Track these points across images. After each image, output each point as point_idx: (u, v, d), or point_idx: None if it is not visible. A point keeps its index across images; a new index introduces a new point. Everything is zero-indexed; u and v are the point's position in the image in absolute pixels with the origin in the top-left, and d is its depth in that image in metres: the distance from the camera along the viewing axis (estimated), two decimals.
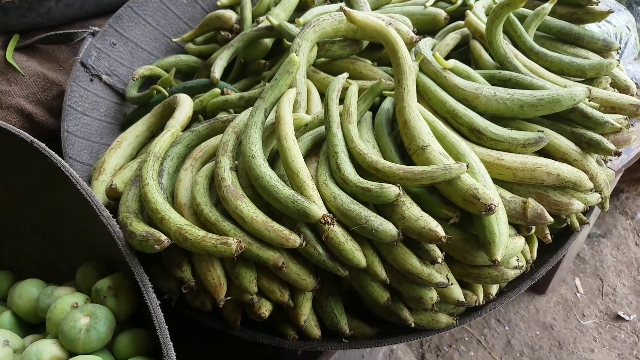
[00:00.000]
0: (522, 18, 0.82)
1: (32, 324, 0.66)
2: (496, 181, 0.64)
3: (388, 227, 0.56)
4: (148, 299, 0.54)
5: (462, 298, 0.63)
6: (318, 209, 0.57)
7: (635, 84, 1.05)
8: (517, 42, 0.80)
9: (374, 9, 0.93)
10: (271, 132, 0.68)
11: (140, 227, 0.57)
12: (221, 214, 0.60)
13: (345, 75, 0.72)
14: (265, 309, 0.62)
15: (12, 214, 0.74)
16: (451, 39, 0.82)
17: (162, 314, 0.53)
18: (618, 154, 0.67)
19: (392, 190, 0.57)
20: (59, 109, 0.97)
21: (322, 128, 0.70)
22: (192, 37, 1.08)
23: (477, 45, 0.81)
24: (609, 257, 2.01)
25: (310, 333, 0.65)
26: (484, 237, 0.58)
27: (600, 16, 0.81)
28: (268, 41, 0.96)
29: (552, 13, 0.82)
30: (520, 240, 0.63)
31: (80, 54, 0.95)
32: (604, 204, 0.72)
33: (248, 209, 0.58)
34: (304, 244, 0.58)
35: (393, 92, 0.70)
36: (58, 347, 0.56)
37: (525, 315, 1.82)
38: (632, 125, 0.73)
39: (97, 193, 0.73)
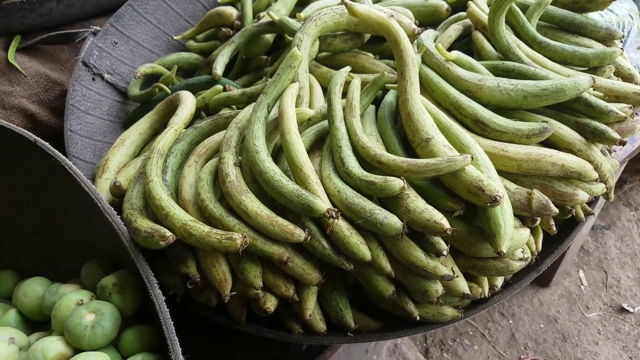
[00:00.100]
0: (524, 8, 0.81)
1: (38, 322, 0.66)
2: (500, 172, 0.64)
3: (393, 220, 0.56)
4: (153, 295, 0.54)
5: (467, 290, 0.63)
6: (322, 203, 0.57)
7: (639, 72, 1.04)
8: (520, 32, 0.79)
9: (375, 1, 0.93)
10: (274, 127, 0.68)
11: (145, 224, 0.58)
12: (225, 210, 0.60)
13: (348, 68, 0.72)
14: (271, 303, 0.62)
15: (16, 214, 0.74)
16: (453, 31, 0.82)
17: (168, 310, 0.53)
18: (623, 143, 0.66)
19: (397, 183, 0.57)
20: (61, 108, 0.97)
21: (325, 122, 0.70)
22: (193, 35, 1.08)
23: (479, 36, 0.80)
24: (613, 249, 2.01)
25: (315, 327, 0.65)
26: (489, 229, 0.57)
27: (603, 4, 0.80)
28: (269, 37, 0.96)
29: (555, 2, 0.82)
30: (526, 232, 0.63)
31: (82, 53, 0.95)
32: (609, 194, 0.71)
33: (252, 204, 0.58)
34: (309, 238, 0.58)
35: (396, 85, 0.70)
36: (64, 344, 0.57)
37: (529, 309, 1.82)
38: (636, 114, 0.72)
39: (101, 191, 0.73)
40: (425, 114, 0.63)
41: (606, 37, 0.81)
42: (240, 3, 1.03)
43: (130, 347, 0.59)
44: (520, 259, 0.64)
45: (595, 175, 0.64)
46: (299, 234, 0.57)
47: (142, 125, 0.84)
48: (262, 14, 0.98)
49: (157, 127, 0.86)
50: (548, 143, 0.67)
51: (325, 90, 0.80)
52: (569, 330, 1.75)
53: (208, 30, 1.09)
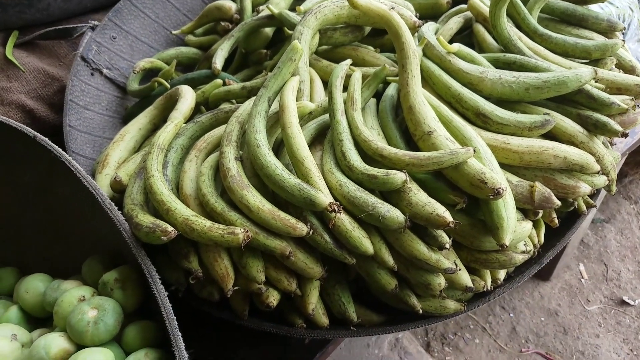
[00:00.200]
0: (525, 0, 0.81)
1: (39, 318, 0.66)
2: (503, 165, 0.63)
3: (395, 214, 0.56)
4: (156, 290, 0.54)
5: (470, 284, 0.62)
6: (324, 197, 0.56)
7: None
8: (521, 25, 0.79)
9: None
10: (275, 121, 0.68)
11: (146, 219, 0.57)
12: (227, 204, 0.60)
13: (349, 61, 0.72)
14: (273, 298, 0.62)
15: (16, 210, 0.73)
16: (454, 23, 0.82)
17: (170, 305, 0.53)
18: (625, 135, 0.66)
19: (399, 176, 0.57)
20: (60, 104, 0.97)
21: (326, 116, 0.70)
22: (192, 29, 1.07)
23: (480, 29, 0.80)
24: (613, 242, 2.01)
25: (318, 321, 0.65)
26: (491, 221, 0.57)
27: None
28: (269, 30, 0.95)
29: None
30: (528, 225, 0.63)
31: (80, 48, 0.95)
32: (610, 186, 0.71)
33: (254, 198, 0.58)
34: (311, 232, 0.57)
35: (397, 78, 0.69)
36: (66, 340, 0.56)
37: (530, 302, 1.83)
38: (638, 106, 0.72)
39: (102, 186, 0.72)
40: (427, 107, 0.63)
41: (607, 30, 0.80)
42: None
43: (133, 342, 0.59)
44: (523, 252, 0.64)
45: (597, 167, 0.64)
46: (301, 228, 0.56)
47: (141, 120, 0.83)
48: (261, 7, 0.97)
49: (157, 122, 0.85)
50: (550, 135, 0.66)
51: (326, 84, 0.80)
52: (570, 323, 1.76)
53: (207, 25, 1.08)
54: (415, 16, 0.80)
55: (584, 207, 0.72)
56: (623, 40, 0.77)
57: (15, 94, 0.96)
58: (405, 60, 0.65)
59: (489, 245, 0.61)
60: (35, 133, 0.63)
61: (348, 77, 0.70)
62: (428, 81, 0.71)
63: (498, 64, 0.73)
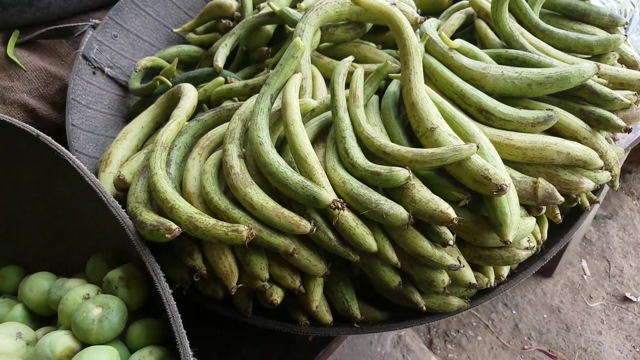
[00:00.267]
0: None
1: (44, 317, 0.66)
2: (506, 161, 0.63)
3: (399, 211, 0.56)
4: (160, 288, 0.54)
5: (473, 280, 0.62)
6: (328, 194, 0.56)
7: None
8: (523, 20, 0.79)
9: None
10: (278, 119, 0.67)
11: (150, 217, 0.57)
12: (230, 202, 0.60)
13: (351, 58, 0.71)
14: (277, 295, 0.62)
15: (19, 209, 0.74)
16: (456, 19, 0.82)
17: (175, 303, 0.53)
18: (628, 130, 0.66)
19: (402, 173, 0.57)
20: (62, 103, 0.97)
21: (329, 113, 0.69)
22: (193, 27, 1.07)
23: (482, 25, 0.80)
24: (616, 238, 2.01)
25: (322, 319, 0.65)
26: (495, 218, 0.57)
27: None
28: (270, 28, 0.95)
29: None
30: (531, 221, 0.63)
31: (81, 47, 0.95)
32: (614, 182, 0.71)
33: (258, 196, 0.58)
34: (315, 229, 0.57)
35: (399, 75, 0.69)
36: (71, 338, 0.56)
37: (532, 299, 1.83)
38: None
39: (105, 185, 0.72)
40: (429, 103, 0.63)
41: (609, 24, 0.80)
42: None
43: (138, 340, 0.59)
44: (526, 248, 0.64)
45: (600, 163, 0.64)
46: (305, 226, 0.56)
47: (144, 119, 0.83)
48: (262, 4, 0.97)
49: (159, 120, 0.85)
50: (553, 131, 0.66)
51: (328, 81, 0.79)
52: (573, 320, 1.76)
53: (208, 22, 1.08)
54: (417, 12, 0.80)
55: (587, 203, 0.72)
56: (625, 35, 0.76)
57: (17, 93, 0.96)
58: (407, 57, 0.65)
59: (493, 241, 0.61)
60: (38, 132, 0.63)
61: (350, 74, 0.70)
62: (430, 77, 0.71)
63: (500, 60, 0.73)
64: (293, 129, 0.61)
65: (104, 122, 0.92)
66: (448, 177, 0.60)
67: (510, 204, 0.57)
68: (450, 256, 0.59)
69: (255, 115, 0.63)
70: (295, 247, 0.58)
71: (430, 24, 0.77)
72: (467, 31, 0.84)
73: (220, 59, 0.89)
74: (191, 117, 0.80)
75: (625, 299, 1.81)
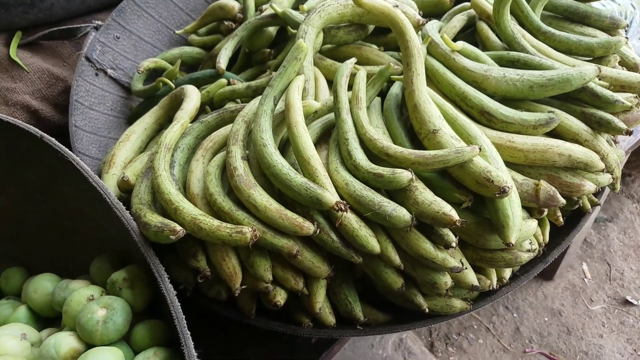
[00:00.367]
0: None
1: (48, 318, 0.66)
2: (507, 164, 0.63)
3: (401, 213, 0.56)
4: (165, 289, 0.54)
5: (476, 282, 0.63)
6: (331, 196, 0.57)
7: None
8: (524, 22, 0.79)
9: None
10: (281, 120, 0.68)
11: (154, 218, 0.57)
12: (234, 203, 0.60)
13: (354, 60, 0.72)
14: (280, 297, 0.62)
15: (23, 210, 0.74)
16: (458, 21, 0.82)
17: (179, 304, 0.53)
18: (629, 132, 0.66)
19: (405, 175, 0.57)
20: (64, 104, 0.97)
21: (331, 115, 0.70)
22: (195, 29, 1.08)
23: (484, 27, 0.80)
24: (616, 241, 2.01)
25: (324, 320, 0.65)
26: (497, 220, 0.57)
27: None
28: (272, 29, 0.95)
29: None
30: (534, 223, 0.63)
31: (84, 48, 0.95)
32: (615, 184, 0.71)
33: (261, 197, 0.58)
34: (318, 231, 0.57)
35: (401, 77, 0.69)
36: (75, 339, 0.57)
37: (533, 302, 1.83)
38: None
39: (109, 186, 0.72)
40: (431, 105, 0.63)
41: (610, 27, 0.80)
42: None
43: (142, 341, 0.59)
44: (528, 250, 0.64)
45: (601, 165, 0.64)
46: (308, 227, 0.57)
47: (147, 120, 0.84)
48: (264, 6, 0.98)
49: (162, 121, 0.86)
50: (554, 134, 0.67)
51: (330, 83, 0.80)
52: (573, 323, 1.76)
53: (210, 24, 1.09)
54: (419, 14, 0.80)
55: (588, 206, 0.72)
56: (626, 38, 0.77)
57: (20, 94, 0.96)
58: (409, 59, 0.65)
59: (495, 244, 0.61)
60: (42, 133, 0.63)
61: (353, 76, 0.70)
62: (432, 79, 0.71)
63: (502, 62, 0.73)
64: (296, 130, 0.61)
65: (106, 124, 0.93)
66: (450, 179, 0.60)
67: (513, 206, 0.57)
68: (453, 258, 0.59)
69: (259, 117, 0.64)
70: (298, 249, 0.58)
71: (432, 26, 0.77)
72: (468, 33, 0.84)
73: (222, 61, 0.89)
74: (194, 119, 0.80)
75: (626, 302, 1.81)
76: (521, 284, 0.69)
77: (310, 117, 0.70)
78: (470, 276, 0.62)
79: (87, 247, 0.71)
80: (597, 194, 0.72)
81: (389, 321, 0.68)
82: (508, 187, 0.54)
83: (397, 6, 0.67)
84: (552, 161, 0.63)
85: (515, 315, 1.79)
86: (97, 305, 0.57)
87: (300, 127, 0.62)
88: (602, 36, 0.79)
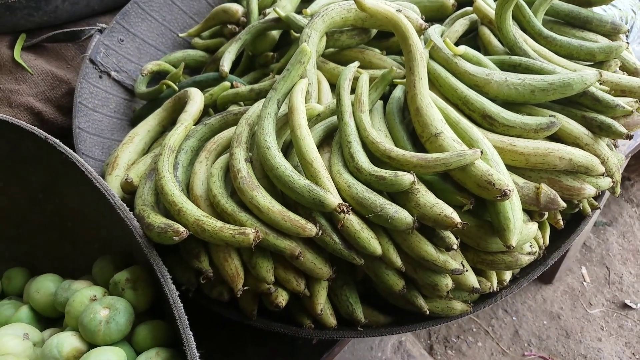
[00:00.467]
0: (530, 3, 0.82)
1: (50, 318, 0.66)
2: (509, 167, 0.64)
3: (403, 215, 0.57)
4: (167, 290, 0.54)
5: (476, 285, 0.63)
6: (334, 198, 0.57)
7: None
8: (526, 27, 0.80)
9: None
10: (284, 123, 0.68)
11: (158, 219, 0.58)
12: (237, 205, 0.60)
13: (357, 64, 0.72)
14: (282, 298, 0.62)
15: (27, 211, 0.74)
16: (460, 26, 0.82)
17: (182, 304, 0.54)
18: (630, 137, 0.67)
19: (407, 177, 0.57)
20: (68, 106, 0.98)
21: (334, 118, 0.70)
22: (199, 32, 1.08)
23: (486, 31, 0.81)
24: (615, 245, 2.01)
25: (326, 322, 0.65)
26: (498, 223, 0.58)
27: None
28: (275, 33, 0.96)
29: None
30: (534, 226, 0.63)
31: (88, 50, 0.96)
32: (615, 188, 0.72)
33: (264, 199, 0.58)
34: (320, 233, 0.58)
35: (404, 80, 0.70)
36: (78, 339, 0.57)
37: (532, 305, 1.83)
38: None
39: (112, 188, 0.73)
40: (434, 109, 0.63)
41: (611, 32, 0.81)
42: (245, 0, 1.03)
43: (144, 342, 0.59)
44: (529, 253, 0.65)
45: (602, 169, 0.65)
46: (311, 229, 0.57)
47: (150, 122, 0.84)
48: (267, 10, 0.98)
49: (165, 124, 0.86)
50: (555, 137, 0.67)
51: (333, 86, 0.80)
52: (572, 327, 1.76)
53: (213, 28, 1.09)
54: (421, 19, 0.81)
55: (588, 209, 0.73)
56: (627, 43, 0.77)
57: (24, 96, 0.96)
58: (412, 63, 0.65)
59: (496, 246, 0.61)
60: (47, 135, 0.63)
61: (355, 80, 0.71)
62: (435, 83, 0.72)
63: (504, 66, 0.74)
64: (299, 133, 0.62)
65: (110, 126, 0.93)
66: (452, 182, 0.61)
67: (514, 209, 0.58)
68: (454, 260, 0.60)
69: (262, 120, 0.64)
70: (300, 250, 0.58)
71: (435, 30, 0.77)
72: (470, 38, 0.85)
73: (226, 64, 0.89)
74: (197, 121, 0.80)
75: (625, 306, 1.81)
76: (521, 287, 0.69)
77: (313, 119, 0.71)
78: (471, 278, 0.63)
79: (89, 248, 0.71)
80: (597, 197, 0.72)
81: (390, 323, 0.68)
82: (509, 190, 0.55)
83: (400, 10, 0.68)
84: (552, 165, 0.63)
85: (514, 318, 1.79)
86: (99, 305, 0.57)
87: (303, 129, 0.62)
88: (603, 41, 0.79)
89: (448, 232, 0.59)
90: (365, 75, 0.70)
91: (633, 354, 1.68)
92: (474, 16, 0.84)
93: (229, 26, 1.03)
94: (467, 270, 0.62)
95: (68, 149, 0.62)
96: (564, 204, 0.62)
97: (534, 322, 1.78)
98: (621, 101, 0.68)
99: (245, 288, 0.60)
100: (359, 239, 0.58)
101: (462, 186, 0.60)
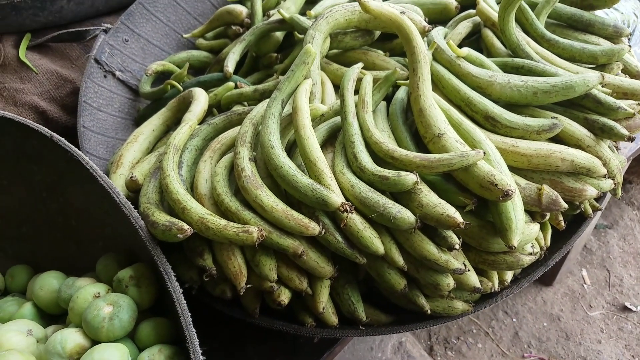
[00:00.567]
0: (533, 5, 0.82)
1: (53, 315, 0.67)
2: (511, 168, 0.64)
3: (406, 215, 0.57)
4: (171, 287, 0.55)
5: (478, 284, 0.63)
6: (337, 198, 0.57)
7: None
8: (529, 30, 0.80)
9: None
10: (288, 123, 0.69)
11: (162, 217, 0.58)
12: (241, 204, 0.61)
13: (360, 65, 0.73)
14: (285, 296, 0.62)
15: (31, 210, 0.74)
16: (463, 28, 0.83)
17: (185, 302, 0.54)
18: (631, 139, 0.67)
19: (410, 177, 0.58)
20: (72, 106, 0.98)
21: (338, 118, 0.71)
22: (203, 33, 1.09)
23: (489, 34, 0.81)
24: (616, 248, 2.01)
25: (328, 320, 0.65)
26: (500, 223, 0.58)
27: (611, 2, 0.81)
28: (279, 34, 0.97)
29: (563, 0, 0.83)
30: (536, 227, 0.64)
31: (93, 50, 0.96)
32: (616, 190, 0.72)
33: (268, 198, 0.59)
34: (323, 232, 0.58)
35: (407, 82, 0.70)
36: (82, 335, 0.57)
37: (532, 307, 1.83)
38: None
39: (116, 186, 0.73)
40: (437, 110, 0.64)
41: (614, 35, 0.82)
42: (249, 1, 1.04)
43: (147, 339, 0.59)
44: (530, 254, 0.65)
45: (603, 170, 0.65)
46: (314, 228, 0.57)
47: (155, 122, 0.85)
48: (271, 11, 0.99)
49: (170, 123, 0.87)
50: (557, 139, 0.67)
51: (336, 87, 0.81)
52: (572, 329, 1.76)
53: (217, 29, 1.10)
54: (425, 21, 0.81)
55: (589, 211, 0.73)
56: (629, 46, 0.78)
57: (29, 95, 0.97)
58: (416, 64, 0.66)
59: (497, 246, 0.61)
60: (52, 133, 0.64)
61: (359, 81, 0.71)
62: (438, 85, 0.72)
63: (506, 69, 0.74)
64: (303, 133, 0.62)
65: (114, 125, 0.94)
66: (454, 182, 0.61)
67: (516, 210, 0.58)
68: (456, 260, 0.60)
69: (267, 119, 0.65)
70: (303, 249, 0.59)
71: (438, 33, 0.78)
72: (473, 40, 0.85)
73: (230, 65, 0.90)
74: (202, 121, 0.81)
75: (625, 309, 1.82)
76: (522, 287, 0.70)
77: (317, 120, 0.71)
78: (473, 278, 0.63)
79: (92, 247, 0.71)
80: (599, 199, 0.73)
81: (391, 322, 0.68)
82: (511, 191, 0.55)
83: (404, 12, 0.68)
84: (555, 166, 0.63)
85: (514, 320, 1.79)
86: (103, 302, 0.58)
87: (307, 129, 0.63)
88: (605, 44, 0.80)
89: (450, 232, 0.59)
90: (368, 77, 0.70)
91: (633, 356, 1.68)
92: (477, 19, 0.85)
93: (233, 27, 1.04)
94: (468, 270, 0.62)
95: (73, 147, 0.63)
96: (565, 205, 0.62)
97: (534, 323, 1.78)
98: (623, 104, 0.68)
99: (248, 286, 0.61)
100: (361, 238, 0.58)
101: (464, 187, 0.60)
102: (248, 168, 0.62)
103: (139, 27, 1.04)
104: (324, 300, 0.64)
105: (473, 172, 0.57)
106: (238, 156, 0.63)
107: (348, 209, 0.57)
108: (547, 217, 0.66)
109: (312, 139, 0.62)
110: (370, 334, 0.66)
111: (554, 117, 0.67)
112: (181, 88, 0.92)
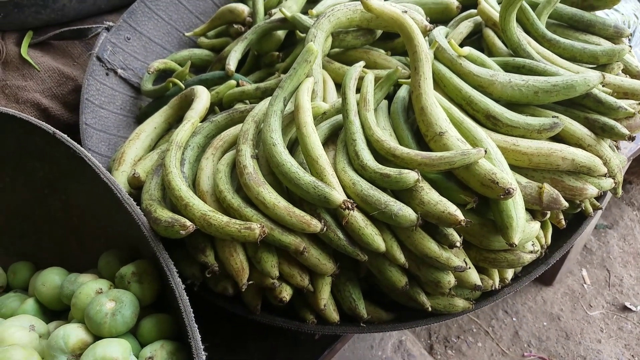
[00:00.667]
0: (534, 5, 0.83)
1: (55, 311, 0.67)
2: (512, 167, 0.64)
3: (407, 212, 0.57)
4: (173, 283, 0.55)
5: (478, 282, 0.63)
6: (338, 195, 0.58)
7: None
8: (530, 30, 0.80)
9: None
10: (290, 121, 0.69)
11: (165, 214, 0.59)
12: (243, 201, 0.61)
13: (362, 63, 0.73)
14: (286, 293, 0.63)
15: (33, 206, 0.75)
16: (464, 27, 0.83)
17: (187, 298, 0.54)
18: (632, 138, 0.67)
19: (411, 175, 0.58)
20: (74, 103, 0.99)
21: (339, 116, 0.71)
22: (204, 31, 1.09)
23: (490, 33, 0.81)
24: (616, 248, 2.02)
25: (329, 317, 0.66)
26: (501, 221, 0.58)
27: (612, 2, 0.81)
28: (281, 33, 0.97)
29: (564, 0, 0.83)
30: (536, 225, 0.64)
31: (95, 48, 0.97)
32: (616, 189, 0.72)
33: (270, 195, 0.59)
34: (325, 229, 0.59)
35: (409, 80, 0.71)
36: (84, 330, 0.57)
37: (532, 307, 1.83)
38: None
39: (119, 183, 0.74)
40: (438, 108, 0.64)
41: (614, 35, 0.82)
42: (251, 0, 1.04)
43: (149, 335, 0.60)
44: (531, 252, 0.65)
45: (604, 170, 0.65)
46: (316, 225, 0.58)
47: (157, 119, 0.85)
48: (273, 10, 0.99)
49: (172, 121, 0.87)
50: (558, 138, 0.68)
51: (338, 86, 0.81)
52: (572, 328, 1.76)
53: (219, 27, 1.10)
54: (426, 20, 0.82)
55: (590, 209, 0.73)
56: (630, 46, 0.78)
57: (31, 92, 0.97)
58: (417, 63, 0.66)
59: (498, 244, 0.62)
60: (55, 130, 0.64)
61: (361, 79, 0.72)
62: (439, 83, 0.73)
63: (507, 68, 0.75)
64: (305, 131, 0.63)
65: (116, 122, 0.94)
66: (455, 180, 0.61)
67: (517, 208, 0.58)
68: (457, 258, 0.60)
69: (269, 117, 0.65)
70: (305, 246, 0.59)
71: (440, 32, 0.78)
72: (475, 39, 0.85)
73: (232, 63, 0.90)
74: (204, 119, 0.81)
75: (625, 308, 1.82)
76: (523, 285, 0.70)
77: (318, 118, 0.72)
78: (473, 276, 0.63)
79: (94, 244, 0.72)
80: (599, 198, 0.73)
81: (392, 319, 0.68)
82: (512, 189, 0.56)
83: (405, 12, 0.69)
84: (555, 165, 0.64)
85: (514, 319, 1.79)
86: (105, 298, 0.58)
87: (309, 127, 0.63)
88: (606, 44, 0.80)
89: (451, 230, 0.60)
90: (370, 75, 0.70)
91: (632, 356, 1.68)
92: (478, 18, 0.85)
93: (235, 26, 1.04)
94: (469, 268, 0.63)
95: (76, 144, 0.63)
96: (566, 204, 0.62)
97: (534, 323, 1.78)
98: (624, 103, 0.68)
99: (250, 283, 0.61)
100: (363, 235, 0.59)
101: (465, 185, 0.60)
102: (250, 165, 0.62)
103: (141, 25, 1.05)
104: (325, 297, 0.64)
105: (474, 171, 0.58)
106: (240, 153, 0.64)
107: (349, 207, 0.57)
108: (548, 215, 0.66)
109: (313, 136, 0.62)
110: (371, 331, 0.66)
111: (555, 117, 0.67)
112: (183, 86, 0.92)
